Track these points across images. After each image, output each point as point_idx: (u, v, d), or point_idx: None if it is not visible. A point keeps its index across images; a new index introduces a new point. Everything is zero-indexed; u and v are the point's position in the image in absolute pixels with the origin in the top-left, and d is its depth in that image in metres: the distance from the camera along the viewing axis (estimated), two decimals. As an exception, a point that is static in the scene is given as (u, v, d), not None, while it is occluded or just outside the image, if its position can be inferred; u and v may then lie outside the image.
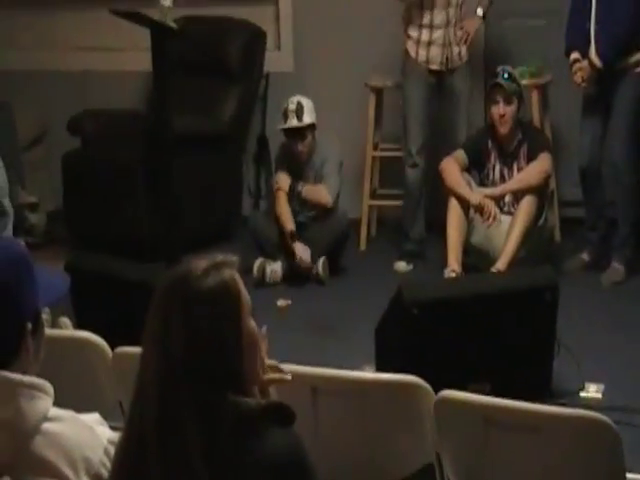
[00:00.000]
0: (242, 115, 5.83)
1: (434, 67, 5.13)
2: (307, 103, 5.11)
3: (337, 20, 5.95)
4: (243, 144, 5.98)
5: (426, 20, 5.07)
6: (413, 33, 5.12)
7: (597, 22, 4.68)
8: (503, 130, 4.86)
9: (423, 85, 5.14)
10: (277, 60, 6.05)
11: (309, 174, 5.19)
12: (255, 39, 5.90)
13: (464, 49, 5.14)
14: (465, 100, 5.19)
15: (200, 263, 1.72)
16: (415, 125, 5.16)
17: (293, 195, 5.13)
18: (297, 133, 5.10)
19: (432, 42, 5.09)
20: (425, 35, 5.09)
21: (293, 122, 5.07)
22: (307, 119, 5.08)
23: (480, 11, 5.16)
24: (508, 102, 4.84)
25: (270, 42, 6.04)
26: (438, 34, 5.08)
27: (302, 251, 4.98)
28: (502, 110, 4.83)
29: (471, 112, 5.27)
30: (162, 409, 1.64)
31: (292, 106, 5.08)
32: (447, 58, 5.11)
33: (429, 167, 5.19)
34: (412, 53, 5.13)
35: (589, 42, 4.71)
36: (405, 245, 5.28)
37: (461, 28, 5.11)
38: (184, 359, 1.65)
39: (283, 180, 5.14)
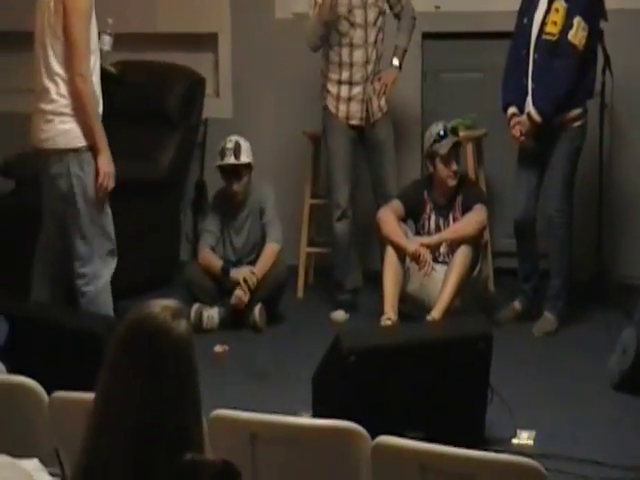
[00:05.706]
0: (180, 161, 5.83)
1: (354, 122, 5.11)
2: (244, 143, 5.13)
3: (275, 67, 6.01)
4: (181, 190, 5.97)
5: (345, 77, 5.06)
6: (332, 89, 5.11)
7: (534, 79, 4.74)
8: (453, 184, 4.92)
9: (345, 139, 5.12)
10: (216, 106, 6.08)
11: (242, 215, 5.19)
12: (194, 85, 5.92)
13: (383, 100, 5.12)
14: (390, 150, 5.17)
15: (160, 309, 1.66)
16: (341, 178, 5.12)
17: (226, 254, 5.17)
18: (233, 172, 5.11)
19: (352, 98, 5.08)
20: (344, 91, 5.07)
21: (230, 160, 5.09)
22: (244, 158, 5.10)
23: (396, 61, 5.13)
24: (457, 156, 4.93)
25: (209, 88, 6.08)
26: (357, 90, 5.07)
27: (237, 292, 4.98)
28: (455, 167, 4.90)
29: (400, 162, 5.30)
30: (122, 463, 1.61)
31: (230, 144, 5.10)
32: (367, 112, 5.10)
33: (359, 218, 5.21)
34: (332, 108, 5.11)
35: (525, 97, 4.78)
36: (340, 296, 5.24)
37: (379, 79, 5.10)
38: (146, 410, 1.62)
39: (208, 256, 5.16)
